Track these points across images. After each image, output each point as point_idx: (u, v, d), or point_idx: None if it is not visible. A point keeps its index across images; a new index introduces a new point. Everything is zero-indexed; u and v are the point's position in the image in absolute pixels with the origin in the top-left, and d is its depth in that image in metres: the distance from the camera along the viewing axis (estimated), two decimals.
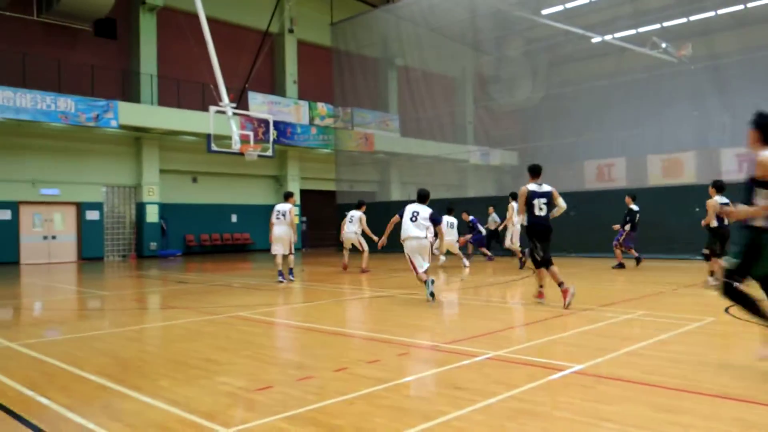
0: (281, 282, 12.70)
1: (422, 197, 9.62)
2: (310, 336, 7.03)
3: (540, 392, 4.36)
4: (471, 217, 18.41)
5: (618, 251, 14.72)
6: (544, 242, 8.61)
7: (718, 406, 4.02)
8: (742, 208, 4.71)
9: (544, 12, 24.24)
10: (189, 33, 20.56)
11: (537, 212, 8.57)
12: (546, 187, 8.71)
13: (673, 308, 8.27)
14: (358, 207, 15.76)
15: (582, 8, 24.45)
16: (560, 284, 8.37)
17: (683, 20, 22.41)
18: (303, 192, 28.80)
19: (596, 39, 24.16)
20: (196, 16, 18.24)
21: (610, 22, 23.47)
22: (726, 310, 7.94)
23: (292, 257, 13.12)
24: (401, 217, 9.56)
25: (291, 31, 28.35)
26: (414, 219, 9.37)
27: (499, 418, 3.82)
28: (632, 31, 23.42)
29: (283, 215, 12.76)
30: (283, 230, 12.76)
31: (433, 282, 9.21)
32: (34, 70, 21.17)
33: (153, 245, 24.28)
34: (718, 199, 10.34)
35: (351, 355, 5.70)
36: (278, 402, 4.26)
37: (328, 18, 28.31)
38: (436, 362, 5.32)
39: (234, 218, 27.47)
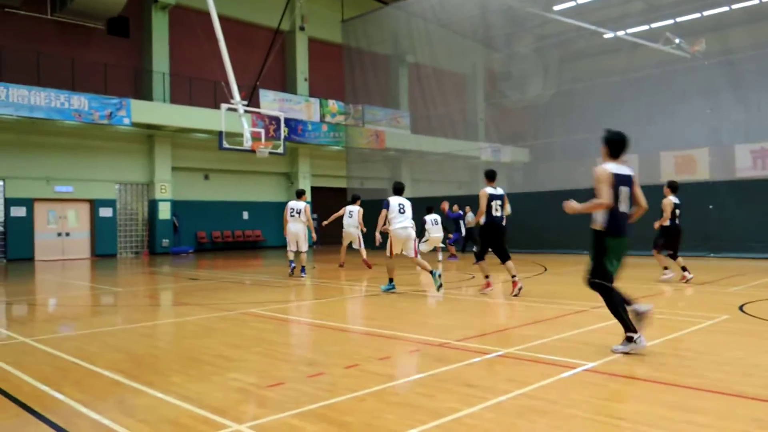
0: (302, 277, 13.17)
1: (399, 190, 10.63)
2: (321, 333, 7.05)
3: (551, 390, 4.34)
4: (459, 212, 18.72)
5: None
6: (500, 239, 9.60)
7: (734, 405, 3.98)
8: (575, 204, 5.51)
9: (556, 8, 24.10)
10: (201, 31, 20.65)
11: (494, 213, 9.53)
12: (500, 190, 9.73)
13: (687, 306, 8.21)
14: (353, 201, 15.78)
15: (594, 4, 24.28)
16: (513, 276, 9.37)
17: (696, 15, 22.20)
18: (314, 189, 28.84)
19: (608, 35, 23.99)
20: (207, 14, 18.32)
21: (622, 18, 23.30)
22: (740, 308, 7.87)
23: (304, 255, 13.32)
24: (387, 209, 10.24)
25: (302, 28, 28.37)
26: (402, 211, 10.30)
27: (510, 416, 3.81)
28: (645, 27, 23.25)
29: (298, 213, 13.20)
30: (299, 227, 13.21)
31: (440, 275, 9.93)
32: (48, 68, 21.35)
33: (165, 242, 24.43)
34: (672, 198, 10.91)
35: (362, 351, 5.71)
36: (289, 398, 4.27)
37: (339, 15, 28.31)
38: (446, 359, 5.32)
39: (245, 215, 27.58)
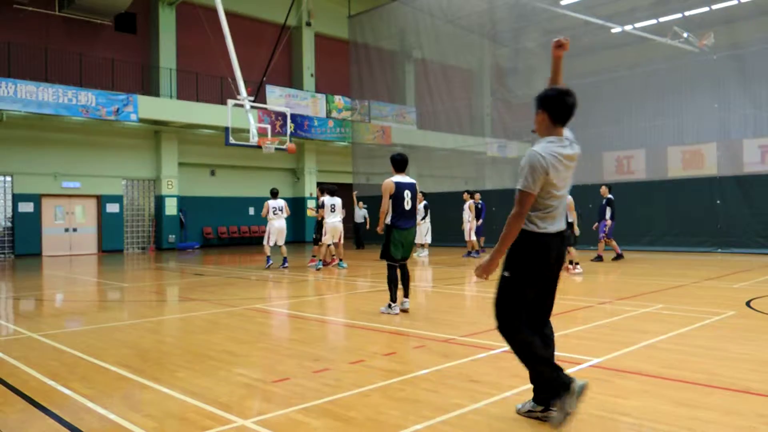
0: (285, 267, 14.40)
1: (333, 192, 12.71)
2: (327, 328, 7.06)
3: None
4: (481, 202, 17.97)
5: (602, 244, 14.72)
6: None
7: (740, 401, 3.96)
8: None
9: (563, 2, 23.98)
10: (207, 27, 20.65)
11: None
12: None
13: (693, 301, 8.17)
14: (332, 194, 15.04)
15: None
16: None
17: (705, 9, 22.01)
18: (320, 185, 28.79)
19: (616, 29, 23.85)
20: (214, 10, 18.31)
21: (631, 12, 23.15)
22: (747, 303, 7.83)
23: (285, 248, 15.11)
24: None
25: (309, 24, 28.34)
26: (333, 209, 13.08)
27: (515, 412, 3.81)
28: (653, 21, 23.08)
29: (281, 210, 15.07)
30: (284, 223, 15.09)
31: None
32: (55, 64, 21.43)
33: (171, 238, 24.51)
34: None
35: (367, 347, 5.72)
36: (295, 394, 4.28)
37: (346, 11, 28.26)
38: (451, 355, 5.32)
39: (251, 211, 27.61)
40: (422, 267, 14.68)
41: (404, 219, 7.58)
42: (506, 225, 3.48)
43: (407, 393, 4.25)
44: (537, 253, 3.55)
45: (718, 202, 16.78)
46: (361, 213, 21.86)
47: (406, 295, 7.76)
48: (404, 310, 7.66)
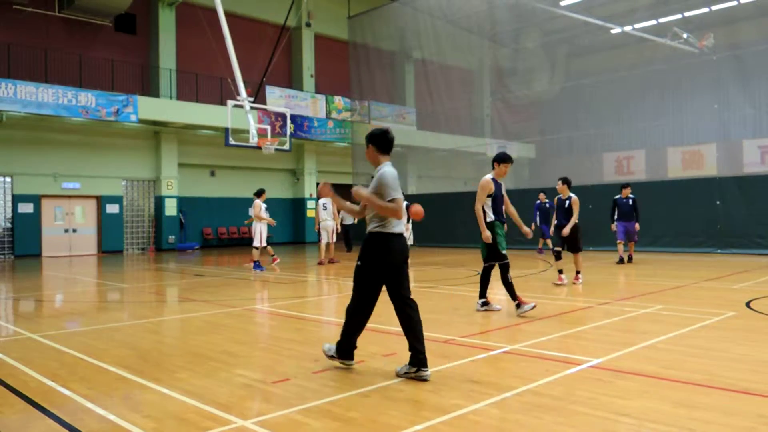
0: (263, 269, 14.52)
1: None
2: (327, 329, 7.06)
3: (557, 386, 4.34)
4: (547, 200, 16.86)
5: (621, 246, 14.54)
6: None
7: (740, 401, 3.96)
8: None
9: (563, 3, 23.99)
10: (207, 28, 20.66)
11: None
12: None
13: (693, 302, 8.17)
14: None
15: None
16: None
17: (705, 10, 22.03)
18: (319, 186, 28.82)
19: (616, 30, 23.86)
20: (214, 11, 18.32)
21: (630, 13, 23.15)
22: (747, 304, 7.84)
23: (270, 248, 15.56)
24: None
25: (308, 25, 28.35)
26: (325, 208, 14.70)
27: (515, 412, 3.81)
28: (653, 22, 23.09)
29: (267, 210, 15.29)
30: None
31: None
32: (55, 65, 21.43)
33: (171, 238, 24.50)
34: (575, 196, 10.62)
35: (367, 348, 5.71)
36: (295, 394, 4.28)
37: (345, 11, 28.26)
38: (451, 356, 5.32)
39: (251, 212, 27.62)
40: (417, 268, 14.68)
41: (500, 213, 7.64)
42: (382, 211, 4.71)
43: (407, 394, 4.25)
44: (387, 249, 4.80)
45: (718, 202, 16.78)
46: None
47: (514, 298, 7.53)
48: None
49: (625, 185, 14.60)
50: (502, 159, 7.61)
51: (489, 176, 7.58)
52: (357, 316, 4.98)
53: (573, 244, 10.57)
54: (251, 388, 4.48)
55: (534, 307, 7.27)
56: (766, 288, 9.50)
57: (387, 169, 4.80)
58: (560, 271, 10.59)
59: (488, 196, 7.49)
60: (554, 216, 11.11)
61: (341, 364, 4.97)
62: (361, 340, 6.19)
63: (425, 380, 4.51)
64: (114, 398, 4.33)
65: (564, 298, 8.67)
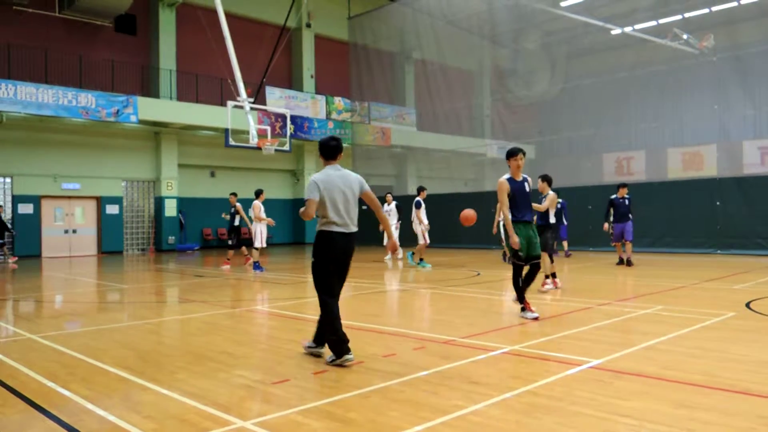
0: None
1: None
2: None
3: (557, 387, 4.34)
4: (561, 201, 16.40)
5: (622, 246, 14.04)
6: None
7: (739, 402, 3.96)
8: None
9: (563, 4, 24.00)
10: (207, 28, 20.66)
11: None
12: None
13: (693, 303, 8.17)
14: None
15: (601, 0, 24.15)
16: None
17: (705, 10, 22.03)
18: None
19: (616, 31, 23.87)
20: (214, 12, 18.34)
21: (630, 14, 23.17)
22: (747, 305, 7.84)
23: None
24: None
25: (308, 25, 28.36)
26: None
27: (515, 413, 3.81)
28: (653, 23, 23.10)
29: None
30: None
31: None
32: (55, 66, 21.44)
33: (171, 239, 24.50)
34: (552, 193, 10.13)
35: (367, 349, 5.71)
36: (294, 395, 4.28)
37: (346, 12, 28.28)
38: (451, 356, 5.31)
39: (251, 212, 27.61)
40: (417, 269, 14.68)
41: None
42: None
43: (407, 394, 4.24)
44: (328, 246, 5.28)
45: (718, 203, 16.79)
46: None
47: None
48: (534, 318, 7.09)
49: (622, 185, 14.18)
50: (508, 155, 7.30)
51: (504, 176, 7.31)
52: (329, 309, 5.30)
53: (542, 242, 9.38)
54: (251, 389, 4.48)
55: (536, 318, 7.01)
56: (766, 289, 9.50)
57: (316, 174, 5.38)
58: (546, 276, 9.90)
59: (508, 196, 7.17)
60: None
61: (342, 363, 5.09)
62: (361, 341, 6.19)
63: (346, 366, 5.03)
64: (114, 399, 4.33)
65: (564, 299, 8.66)
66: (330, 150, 5.42)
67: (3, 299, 10.51)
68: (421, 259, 14.89)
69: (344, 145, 25.64)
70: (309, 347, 5.51)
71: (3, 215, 19.40)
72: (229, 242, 15.96)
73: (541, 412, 3.80)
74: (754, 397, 4.05)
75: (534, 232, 7.37)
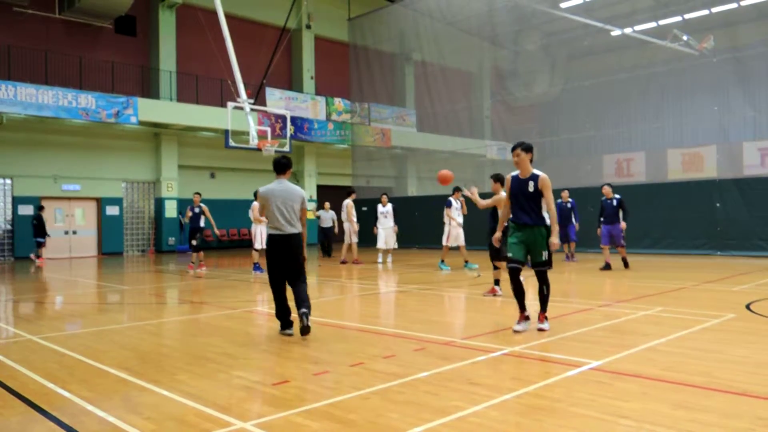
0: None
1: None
2: (327, 331, 7.05)
3: (556, 388, 4.34)
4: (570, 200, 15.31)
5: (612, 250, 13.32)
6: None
7: (739, 403, 3.96)
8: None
9: (563, 5, 24.03)
10: (207, 29, 20.67)
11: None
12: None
13: (693, 304, 8.17)
14: (347, 196, 16.91)
15: (601, 1, 24.20)
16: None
17: (705, 12, 22.07)
18: (319, 187, 28.88)
19: (616, 32, 23.90)
20: (214, 13, 18.35)
21: (630, 15, 23.21)
22: (747, 306, 7.84)
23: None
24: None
25: (308, 26, 28.38)
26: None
27: (514, 415, 3.81)
28: (653, 24, 23.14)
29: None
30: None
31: None
32: (55, 67, 21.44)
33: (171, 240, 24.50)
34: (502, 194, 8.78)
35: (367, 350, 5.71)
36: (294, 396, 4.28)
37: (346, 13, 28.30)
38: (451, 358, 5.31)
39: (250, 214, 27.62)
40: (417, 270, 14.68)
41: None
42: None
43: (407, 396, 4.24)
44: (269, 244, 6.60)
45: (718, 204, 16.78)
46: (328, 216, 19.26)
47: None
48: (540, 329, 6.40)
49: (605, 185, 13.54)
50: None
51: (513, 173, 6.76)
52: (274, 295, 6.67)
53: (494, 248, 8.81)
54: (251, 390, 4.48)
55: (524, 331, 6.38)
56: (766, 290, 9.50)
57: (262, 187, 6.69)
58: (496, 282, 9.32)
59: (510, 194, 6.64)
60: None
61: (283, 334, 6.48)
62: (361, 342, 6.20)
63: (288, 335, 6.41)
64: (114, 400, 4.33)
65: (564, 300, 8.66)
66: (280, 166, 6.65)
67: (6, 300, 10.51)
68: (442, 260, 14.42)
69: (344, 146, 25.62)
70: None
71: (44, 216, 19.90)
72: (193, 242, 14.98)
73: (541, 414, 3.80)
74: (753, 398, 4.05)
75: (535, 236, 6.47)
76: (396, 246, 16.48)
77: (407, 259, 17.25)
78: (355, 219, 16.54)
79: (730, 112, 20.77)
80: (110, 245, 23.51)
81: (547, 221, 6.47)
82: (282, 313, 6.58)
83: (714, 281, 10.88)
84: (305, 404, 4.07)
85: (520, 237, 6.53)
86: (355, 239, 16.61)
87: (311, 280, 12.98)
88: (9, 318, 8.53)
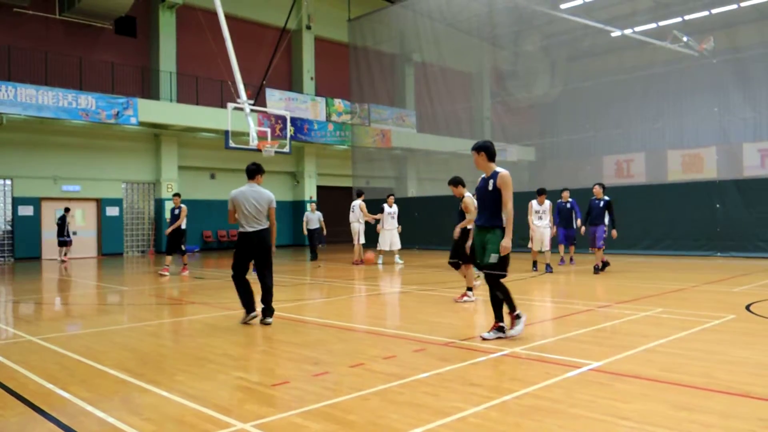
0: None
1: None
2: (327, 332, 7.05)
3: (556, 389, 4.33)
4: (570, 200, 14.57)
5: (601, 252, 12.89)
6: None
7: (740, 404, 3.96)
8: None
9: (563, 6, 24.03)
10: (208, 30, 20.68)
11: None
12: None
13: (693, 305, 8.17)
14: (358, 196, 17.05)
15: (601, 2, 24.21)
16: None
17: (705, 13, 22.07)
18: (319, 188, 28.89)
19: (616, 33, 23.90)
20: (214, 14, 18.35)
21: (630, 16, 23.21)
22: (747, 307, 7.84)
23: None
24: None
25: (309, 27, 28.39)
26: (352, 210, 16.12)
27: (514, 415, 3.81)
28: (653, 25, 23.15)
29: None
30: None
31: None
32: (56, 68, 21.45)
33: None
34: (468, 195, 9.05)
35: (367, 351, 5.71)
36: (294, 397, 4.28)
37: (346, 14, 28.31)
38: (451, 359, 5.31)
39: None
40: (418, 271, 14.67)
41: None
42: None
43: (407, 396, 4.24)
44: (238, 240, 7.52)
45: (718, 205, 16.78)
46: (315, 217, 18.90)
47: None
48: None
49: (596, 184, 13.14)
50: None
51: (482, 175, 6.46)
52: (236, 282, 7.49)
53: (462, 251, 8.62)
54: (251, 391, 4.48)
55: (491, 339, 6.02)
56: (766, 291, 9.50)
57: (234, 190, 7.48)
58: (469, 288, 9.13)
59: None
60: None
61: (248, 320, 7.30)
62: (360, 343, 6.20)
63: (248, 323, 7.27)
64: (113, 401, 4.33)
65: (564, 301, 8.66)
66: (250, 172, 7.58)
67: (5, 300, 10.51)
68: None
69: (344, 147, 25.61)
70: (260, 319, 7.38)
71: (68, 217, 20.32)
72: (183, 247, 14.75)
73: (540, 415, 3.80)
74: (754, 399, 4.05)
75: (486, 238, 6.20)
76: (399, 246, 16.54)
77: (407, 260, 17.24)
78: (371, 215, 16.53)
79: (730, 113, 20.78)
80: (110, 246, 23.50)
81: (505, 222, 6.11)
82: (246, 300, 7.30)
83: (714, 282, 10.88)
84: (305, 405, 4.07)
85: (476, 239, 6.43)
86: (362, 240, 16.74)
87: (312, 280, 12.99)
88: (9, 319, 8.53)
